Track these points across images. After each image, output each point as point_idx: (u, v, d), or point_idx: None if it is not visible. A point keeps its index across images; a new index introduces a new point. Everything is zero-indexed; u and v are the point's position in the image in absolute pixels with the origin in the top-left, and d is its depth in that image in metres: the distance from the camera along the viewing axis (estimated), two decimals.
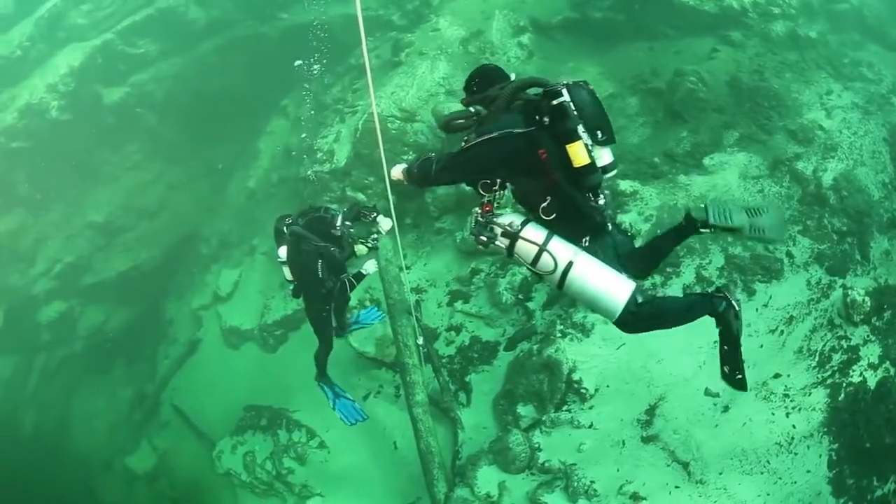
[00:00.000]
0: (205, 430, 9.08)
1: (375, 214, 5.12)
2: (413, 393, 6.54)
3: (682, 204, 7.58)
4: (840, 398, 6.00)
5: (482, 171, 2.76)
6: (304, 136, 10.00)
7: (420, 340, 6.40)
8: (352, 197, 8.87)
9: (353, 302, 7.78)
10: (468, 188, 2.99)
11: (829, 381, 6.15)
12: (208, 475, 8.32)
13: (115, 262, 11.06)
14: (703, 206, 2.87)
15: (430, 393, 7.00)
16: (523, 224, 2.71)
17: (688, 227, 2.88)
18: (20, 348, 10.72)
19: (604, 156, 2.63)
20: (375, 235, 5.22)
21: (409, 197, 8.83)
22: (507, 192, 2.88)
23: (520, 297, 7.70)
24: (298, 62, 8.96)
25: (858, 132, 8.09)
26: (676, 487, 5.80)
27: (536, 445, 6.41)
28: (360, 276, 5.27)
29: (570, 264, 2.62)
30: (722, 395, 6.21)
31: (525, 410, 6.68)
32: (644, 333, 2.88)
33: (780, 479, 5.66)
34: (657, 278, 7.10)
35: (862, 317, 6.44)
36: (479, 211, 2.82)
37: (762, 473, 5.71)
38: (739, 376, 2.77)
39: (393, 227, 4.50)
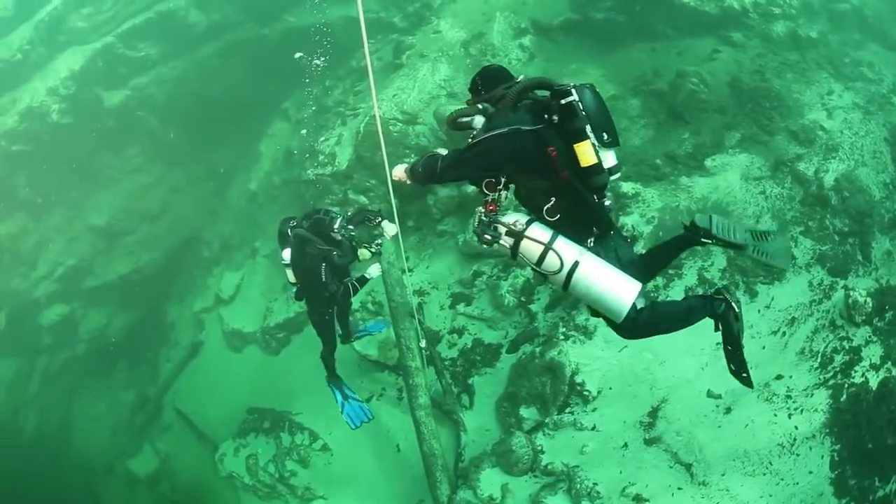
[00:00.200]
0: (207, 432, 9.09)
1: (380, 219, 5.11)
2: (416, 396, 6.55)
3: (685, 206, 7.59)
4: (842, 399, 6.01)
5: (489, 168, 2.71)
6: (304, 132, 9.98)
7: (423, 343, 6.40)
8: (354, 200, 8.88)
9: (355, 305, 7.79)
10: (471, 188, 2.97)
11: (830, 382, 6.16)
12: (211, 478, 8.33)
13: (117, 266, 11.07)
14: (708, 216, 2.85)
15: (433, 395, 7.01)
16: (528, 223, 2.69)
17: (690, 236, 2.86)
18: (22, 351, 10.73)
19: (608, 158, 2.63)
20: (379, 241, 5.21)
21: (412, 199, 8.84)
22: (509, 195, 2.86)
23: (522, 299, 7.71)
24: (299, 54, 8.96)
25: (859, 132, 8.10)
26: (679, 489, 5.81)
27: (539, 448, 6.42)
28: (363, 281, 5.27)
29: (575, 264, 2.59)
30: (724, 396, 6.22)
31: (528, 413, 6.70)
32: None
33: (782, 480, 5.67)
34: (659, 280, 7.11)
35: (863, 317, 6.45)
36: (483, 210, 2.79)
37: (764, 474, 5.72)
38: (745, 375, 2.78)
39: (396, 229, 4.49)
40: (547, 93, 2.65)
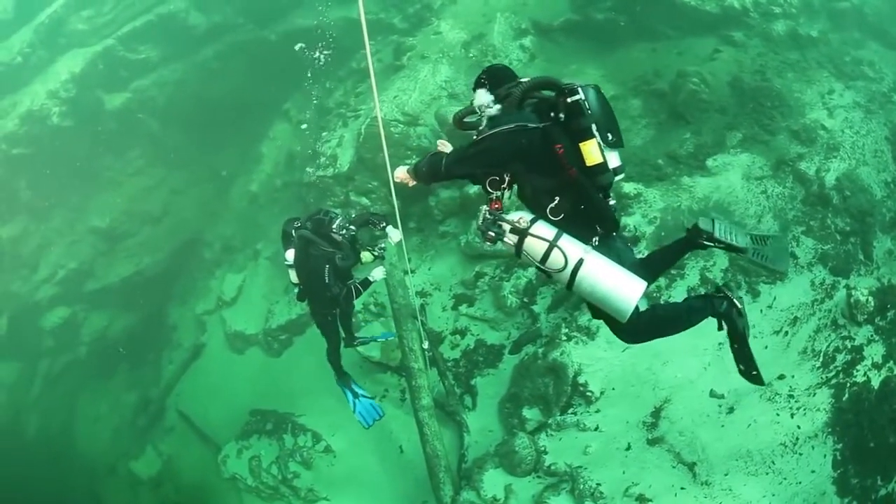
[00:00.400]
0: (210, 434, 9.10)
1: (385, 224, 5.10)
2: (419, 397, 6.56)
3: (686, 206, 7.59)
4: (844, 398, 6.02)
5: (494, 165, 2.69)
6: (304, 125, 9.86)
7: (425, 344, 6.41)
8: (355, 202, 8.89)
9: (357, 306, 7.79)
10: (474, 189, 2.97)
11: (833, 381, 6.17)
12: (213, 480, 8.34)
13: (119, 268, 11.07)
14: (710, 218, 2.85)
15: (436, 397, 7.02)
16: (532, 221, 2.68)
17: (692, 238, 2.86)
18: (24, 354, 10.73)
19: (612, 158, 2.63)
20: (382, 244, 5.21)
21: (413, 200, 8.84)
22: (512, 195, 2.85)
23: (524, 300, 7.72)
24: (300, 45, 8.88)
25: (860, 131, 8.10)
26: (682, 489, 5.82)
27: (542, 448, 6.44)
28: (367, 283, 5.27)
29: (580, 261, 2.57)
30: (727, 396, 6.23)
31: (531, 413, 6.71)
32: None
33: (785, 479, 5.68)
34: (661, 281, 7.12)
35: (865, 317, 6.46)
36: (487, 208, 2.77)
37: (767, 474, 5.74)
38: (755, 373, 2.76)
39: (400, 234, 4.49)
40: (552, 93, 2.65)
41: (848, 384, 6.09)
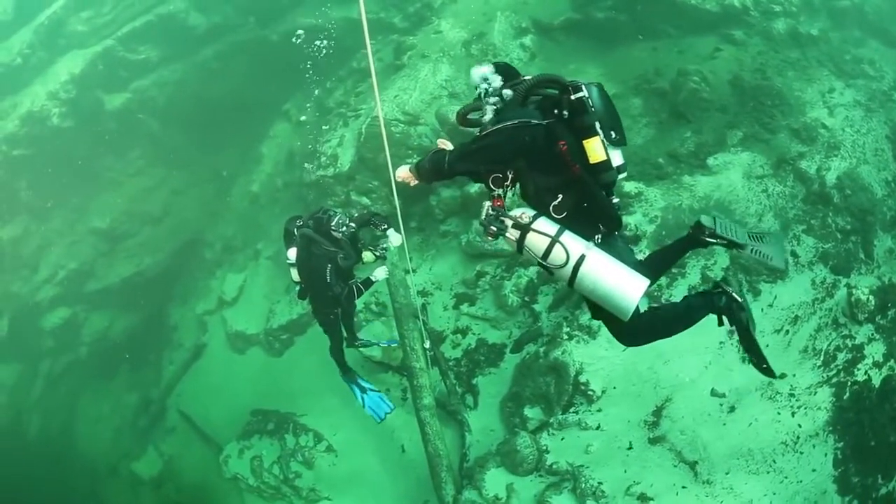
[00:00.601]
0: (211, 434, 9.10)
1: (386, 226, 5.09)
2: (420, 396, 6.56)
3: (687, 205, 7.59)
4: (845, 397, 6.03)
5: (498, 161, 2.67)
6: (303, 118, 9.76)
7: (427, 344, 6.42)
8: (356, 201, 8.88)
9: (359, 306, 7.80)
10: (475, 187, 2.96)
11: (834, 380, 6.18)
12: (215, 480, 8.34)
13: (119, 268, 11.06)
14: (712, 216, 2.86)
15: (438, 396, 7.02)
16: (535, 217, 2.66)
17: (695, 234, 2.85)
18: (25, 355, 10.72)
19: (615, 157, 2.62)
20: (384, 245, 5.20)
21: (415, 200, 8.84)
22: (514, 194, 2.83)
23: (526, 299, 7.72)
24: (300, 31, 8.81)
25: (861, 130, 8.10)
26: (683, 488, 5.83)
27: (544, 447, 6.44)
28: (368, 283, 5.27)
29: (582, 257, 2.55)
30: (728, 395, 6.24)
31: (532, 412, 6.72)
32: None
33: (786, 478, 5.69)
34: (663, 280, 7.11)
35: (866, 315, 6.48)
36: (490, 203, 2.76)
37: (768, 473, 5.75)
38: (765, 366, 2.75)
39: (402, 241, 4.48)
40: (555, 90, 2.65)
41: (849, 383, 6.10)
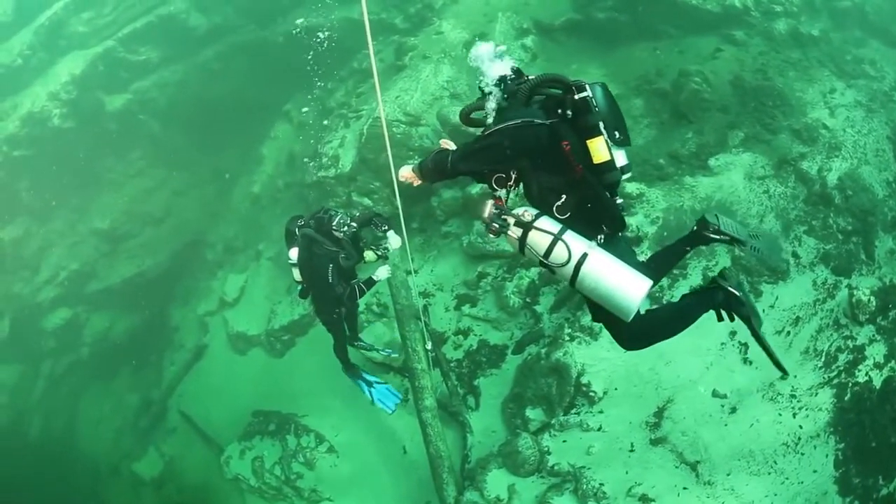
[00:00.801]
0: (212, 435, 9.11)
1: (387, 228, 5.10)
2: (422, 397, 6.57)
3: (689, 206, 7.60)
4: (846, 398, 6.03)
5: (501, 160, 2.66)
6: (306, 109, 9.72)
7: (428, 345, 6.43)
8: (357, 202, 8.89)
9: (360, 307, 7.80)
10: (477, 188, 2.96)
11: (835, 381, 6.18)
12: (216, 480, 8.35)
13: (121, 269, 11.07)
14: (714, 214, 2.87)
15: (439, 397, 7.03)
16: (537, 216, 2.67)
17: (699, 231, 2.86)
18: (26, 355, 10.74)
19: (619, 157, 2.62)
20: (386, 245, 5.22)
21: (416, 201, 8.84)
22: (516, 195, 2.83)
23: (527, 300, 7.72)
24: (300, 20, 8.75)
25: (862, 130, 8.10)
26: (685, 489, 5.84)
27: (545, 448, 6.45)
28: (370, 283, 5.27)
29: (584, 256, 2.55)
30: (729, 396, 6.25)
31: (534, 414, 6.72)
32: None
33: (787, 479, 5.69)
34: (664, 280, 7.12)
35: (867, 316, 6.47)
36: (493, 202, 2.76)
37: (769, 474, 5.75)
38: (774, 358, 2.79)
39: (403, 240, 4.48)
40: (559, 90, 2.65)
41: (850, 384, 6.10)
